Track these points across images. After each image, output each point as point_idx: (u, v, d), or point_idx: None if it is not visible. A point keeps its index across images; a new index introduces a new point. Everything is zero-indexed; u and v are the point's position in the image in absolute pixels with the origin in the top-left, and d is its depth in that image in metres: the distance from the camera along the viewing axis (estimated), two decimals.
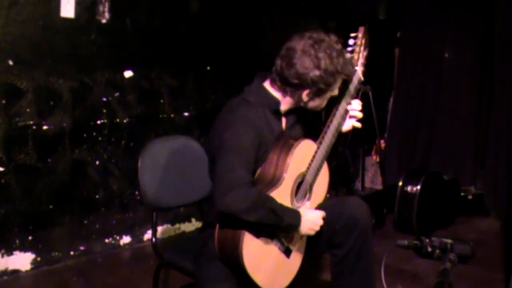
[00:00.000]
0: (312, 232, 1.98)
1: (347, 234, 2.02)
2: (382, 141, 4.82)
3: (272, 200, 1.85)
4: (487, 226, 4.09)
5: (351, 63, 2.00)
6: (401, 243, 1.52)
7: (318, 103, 2.00)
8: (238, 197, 1.76)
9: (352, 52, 2.11)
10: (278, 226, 1.87)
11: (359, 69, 2.10)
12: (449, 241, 1.48)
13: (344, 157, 4.48)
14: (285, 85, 1.95)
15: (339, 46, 1.93)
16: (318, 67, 1.88)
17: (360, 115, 2.12)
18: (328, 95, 1.99)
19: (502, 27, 4.19)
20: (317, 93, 1.94)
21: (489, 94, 4.37)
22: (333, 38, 1.94)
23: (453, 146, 4.53)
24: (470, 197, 4.29)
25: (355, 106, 2.11)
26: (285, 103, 2.02)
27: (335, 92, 2.01)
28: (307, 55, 1.88)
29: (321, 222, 1.98)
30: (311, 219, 1.96)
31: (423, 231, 3.71)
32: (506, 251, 3.46)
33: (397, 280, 2.94)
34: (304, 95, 1.95)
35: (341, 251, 2.06)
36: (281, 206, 1.87)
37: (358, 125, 2.14)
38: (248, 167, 1.85)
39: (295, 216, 1.92)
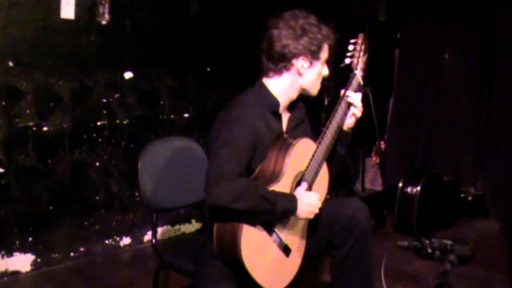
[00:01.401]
0: (311, 216, 1.96)
1: (346, 236, 2.02)
2: (382, 142, 4.81)
3: (264, 188, 1.83)
4: (487, 227, 4.09)
5: (331, 30, 2.03)
6: (401, 244, 1.52)
7: (312, 77, 2.01)
8: (225, 189, 1.74)
9: (351, 57, 2.13)
10: (273, 213, 1.84)
11: (358, 73, 2.12)
12: (449, 242, 1.48)
13: None
14: (278, 61, 1.97)
15: (314, 18, 2.00)
16: (303, 30, 1.95)
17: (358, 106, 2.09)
18: (319, 67, 2.01)
19: (502, 27, 4.19)
20: (310, 59, 1.97)
21: (489, 95, 4.37)
22: (307, 13, 2.00)
23: (453, 147, 4.53)
24: (470, 198, 4.29)
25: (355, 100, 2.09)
26: (284, 94, 2.01)
27: (325, 69, 2.04)
28: (288, 26, 1.95)
29: (319, 204, 1.96)
30: (309, 201, 1.93)
31: (423, 232, 3.71)
32: (510, 252, 3.45)
33: (397, 281, 2.94)
34: (300, 65, 1.97)
35: (340, 253, 2.06)
36: (274, 192, 1.84)
37: (358, 113, 2.10)
38: (240, 163, 1.84)
39: (291, 200, 1.89)
